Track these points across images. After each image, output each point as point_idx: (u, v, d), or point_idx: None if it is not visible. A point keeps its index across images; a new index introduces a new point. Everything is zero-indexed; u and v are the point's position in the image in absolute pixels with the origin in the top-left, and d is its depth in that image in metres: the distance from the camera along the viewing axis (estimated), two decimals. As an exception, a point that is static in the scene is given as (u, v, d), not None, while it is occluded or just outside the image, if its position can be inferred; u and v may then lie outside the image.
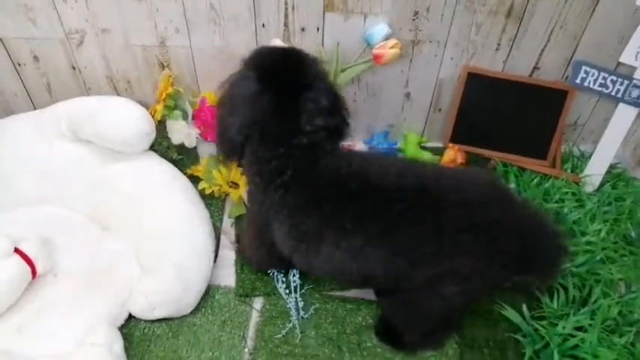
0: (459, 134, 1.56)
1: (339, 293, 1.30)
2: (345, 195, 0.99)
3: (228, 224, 1.45)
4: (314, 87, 0.98)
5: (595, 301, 1.23)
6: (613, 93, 1.41)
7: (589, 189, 1.51)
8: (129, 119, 1.32)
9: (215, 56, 1.44)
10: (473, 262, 0.98)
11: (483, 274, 0.99)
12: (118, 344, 1.11)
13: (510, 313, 1.24)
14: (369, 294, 1.30)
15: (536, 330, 1.20)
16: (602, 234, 1.38)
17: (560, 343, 1.17)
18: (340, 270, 1.05)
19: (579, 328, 1.19)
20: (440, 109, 1.59)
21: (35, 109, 1.52)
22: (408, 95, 1.55)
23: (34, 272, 1.18)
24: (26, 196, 1.35)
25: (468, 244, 0.97)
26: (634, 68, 1.38)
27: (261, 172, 1.03)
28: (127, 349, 1.17)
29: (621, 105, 1.41)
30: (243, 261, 1.35)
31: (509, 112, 1.52)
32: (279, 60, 1.00)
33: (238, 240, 1.38)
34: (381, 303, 1.26)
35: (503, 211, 1.00)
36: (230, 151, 1.06)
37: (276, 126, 0.98)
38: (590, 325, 1.18)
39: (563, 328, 1.19)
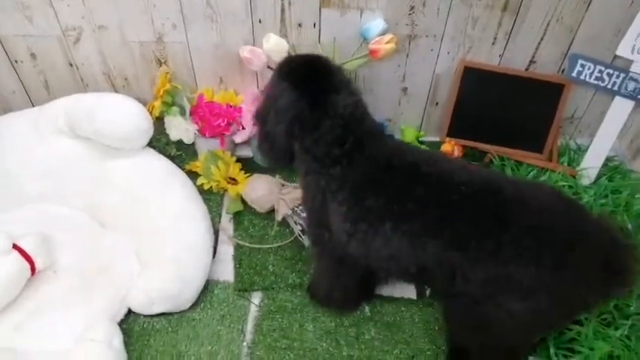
0: (456, 128, 1.56)
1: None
2: (410, 176, 0.99)
3: (226, 220, 1.46)
4: (341, 91, 1.01)
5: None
6: (609, 86, 1.41)
7: (585, 182, 1.52)
8: (126, 116, 1.33)
9: (212, 52, 1.45)
10: (535, 272, 0.92)
11: (549, 289, 0.93)
12: (118, 339, 1.13)
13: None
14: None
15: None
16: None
17: (556, 336, 1.19)
18: (397, 257, 1.02)
19: (576, 322, 1.20)
20: (437, 104, 1.59)
21: (33, 106, 1.52)
22: (405, 90, 1.55)
23: (33, 269, 1.19)
24: (25, 193, 1.36)
25: (529, 250, 0.93)
26: (630, 61, 1.38)
27: (317, 153, 1.01)
28: (127, 343, 1.18)
29: (617, 98, 1.41)
30: (242, 261, 1.36)
31: (506, 106, 1.52)
32: (310, 69, 1.03)
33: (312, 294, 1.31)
34: (449, 319, 1.17)
35: (576, 224, 0.97)
36: (283, 158, 1.09)
37: (314, 115, 1.00)
38: (587, 318, 1.19)
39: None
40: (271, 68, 1.36)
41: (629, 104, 1.41)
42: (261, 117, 1.08)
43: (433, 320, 1.26)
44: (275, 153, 1.09)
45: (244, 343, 1.22)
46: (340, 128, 0.99)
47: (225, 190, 1.49)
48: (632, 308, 1.23)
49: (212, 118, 1.42)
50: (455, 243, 0.96)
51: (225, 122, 1.43)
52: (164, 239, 1.27)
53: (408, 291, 1.32)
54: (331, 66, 1.05)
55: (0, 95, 1.52)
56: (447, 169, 1.00)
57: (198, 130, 1.46)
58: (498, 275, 0.94)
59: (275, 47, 1.29)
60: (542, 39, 1.43)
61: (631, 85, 1.39)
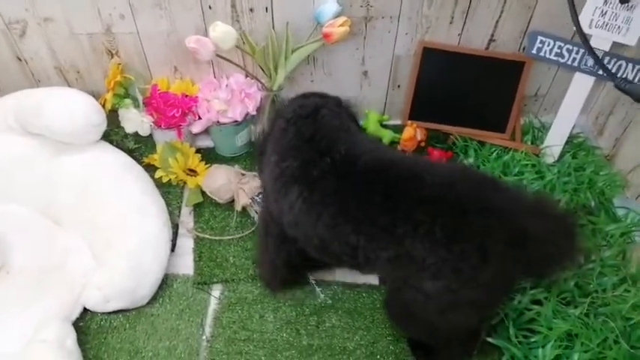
0: (418, 111, 1.54)
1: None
2: (323, 148, 1.02)
3: (186, 212, 1.44)
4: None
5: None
6: (569, 62, 1.40)
7: (549, 160, 1.51)
8: (76, 110, 1.29)
9: (164, 41, 1.41)
10: (430, 247, 0.90)
11: (452, 265, 0.90)
12: (71, 339, 1.11)
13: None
14: (327, 275, 1.30)
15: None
16: (562, 204, 1.38)
17: (516, 317, 1.18)
18: (300, 224, 1.03)
19: (536, 302, 1.19)
20: (399, 86, 1.57)
21: (-16, 103, 1.48)
22: (365, 73, 1.53)
23: (-17, 270, 1.17)
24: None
25: (422, 224, 0.90)
26: (589, 36, 1.36)
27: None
28: (83, 342, 1.17)
29: (578, 74, 1.39)
30: (202, 254, 1.35)
31: (467, 87, 1.50)
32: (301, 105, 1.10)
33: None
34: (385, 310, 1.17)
35: (476, 196, 0.93)
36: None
37: None
38: (547, 298, 1.19)
39: (519, 302, 1.19)
40: (220, 56, 1.33)
41: (590, 80, 1.39)
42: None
43: (394, 306, 1.25)
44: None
45: (203, 337, 1.20)
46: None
47: (185, 183, 1.47)
48: (591, 286, 1.22)
49: (167, 108, 1.39)
50: (346, 216, 0.96)
51: (180, 113, 1.40)
52: (119, 235, 1.25)
53: (371, 277, 1.31)
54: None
55: (-51, 93, 1.48)
56: (358, 147, 1.02)
57: (153, 122, 1.43)
58: (399, 254, 0.93)
59: (223, 35, 1.25)
60: (500, 17, 1.41)
61: (591, 61, 1.37)
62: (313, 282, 1.28)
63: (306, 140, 1.04)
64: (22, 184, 1.34)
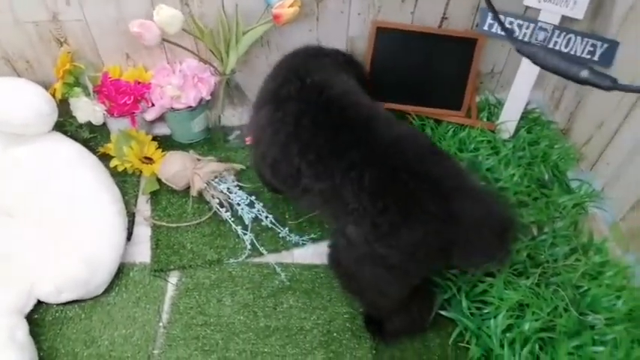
0: (374, 91, 1.51)
1: (256, 260, 1.31)
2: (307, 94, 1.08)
3: (143, 201, 1.43)
4: None
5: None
6: (520, 37, 1.40)
7: (505, 136, 1.52)
8: (25, 101, 1.27)
9: (113, 28, 1.39)
10: (357, 192, 0.93)
11: (375, 221, 0.92)
12: (22, 331, 1.10)
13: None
14: (286, 257, 1.31)
15: (446, 279, 1.22)
16: (516, 178, 1.39)
17: (468, 290, 1.20)
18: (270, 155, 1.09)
19: (489, 274, 1.21)
20: (355, 67, 1.57)
21: None
22: (320, 53, 1.52)
23: None
24: None
25: (356, 168, 0.94)
26: (538, 11, 1.37)
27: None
28: (38, 334, 1.16)
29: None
30: (159, 241, 1.34)
31: (422, 65, 1.50)
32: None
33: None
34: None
35: (422, 161, 0.95)
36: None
37: None
38: (498, 270, 1.20)
39: (472, 275, 1.21)
40: (168, 41, 1.32)
41: (539, 54, 1.40)
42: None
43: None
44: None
45: (160, 324, 1.20)
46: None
47: (142, 171, 1.45)
48: (543, 257, 1.24)
49: (118, 96, 1.37)
50: (296, 137, 1.02)
51: (132, 100, 1.38)
52: (72, 226, 1.24)
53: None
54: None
55: None
56: (335, 83, 1.09)
57: (106, 111, 1.41)
58: (330, 189, 0.98)
59: (168, 19, 1.24)
60: (451, -7, 1.41)
61: (541, 35, 1.38)
62: (273, 264, 1.29)
63: (292, 69, 1.13)
64: (-28, 178, 1.31)
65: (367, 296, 1.10)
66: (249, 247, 1.31)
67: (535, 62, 0.90)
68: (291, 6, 1.31)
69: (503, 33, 1.40)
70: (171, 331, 1.18)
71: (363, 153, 0.96)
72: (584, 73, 0.85)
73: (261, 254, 1.31)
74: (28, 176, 1.30)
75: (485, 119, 1.55)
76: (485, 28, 1.43)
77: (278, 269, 1.28)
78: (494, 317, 1.14)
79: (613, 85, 0.83)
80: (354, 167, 0.95)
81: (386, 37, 1.46)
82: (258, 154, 1.17)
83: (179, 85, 1.40)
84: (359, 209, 0.94)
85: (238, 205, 1.34)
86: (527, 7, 1.40)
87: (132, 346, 1.16)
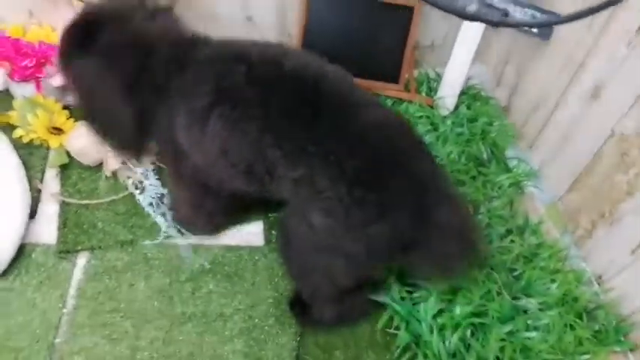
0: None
1: (175, 241, 1.20)
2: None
3: (52, 175, 1.29)
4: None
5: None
6: (458, 8, 1.33)
7: (444, 112, 1.46)
8: None
9: (13, -20, 1.23)
10: (333, 182, 0.86)
11: (346, 209, 0.86)
12: None
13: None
14: (208, 239, 1.21)
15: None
16: (453, 156, 1.34)
17: (399, 274, 1.14)
18: (225, 151, 0.94)
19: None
20: (289, 35, 1.46)
21: None
22: (250, 19, 1.41)
23: None
24: None
25: (336, 156, 0.86)
26: (479, -21, 1.30)
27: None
28: None
29: (465, 21, 1.33)
30: (67, 220, 1.21)
31: (357, 35, 1.41)
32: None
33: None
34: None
35: (407, 156, 0.90)
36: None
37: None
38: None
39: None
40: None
41: (479, 27, 1.33)
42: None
43: (277, 266, 1.17)
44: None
45: (64, 310, 1.09)
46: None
47: (46, 143, 1.31)
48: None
49: (18, 57, 1.22)
50: (271, 129, 0.90)
51: (35, 62, 1.24)
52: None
53: (255, 238, 1.22)
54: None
55: None
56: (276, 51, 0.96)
57: (7, 74, 1.26)
58: (305, 176, 0.88)
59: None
60: (389, -43, 1.32)
61: (473, 7, 1.31)
62: (183, 247, 1.19)
63: (207, 62, 0.94)
64: None
65: (311, 283, 1.02)
66: (165, 227, 1.20)
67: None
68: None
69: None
70: (76, 318, 1.08)
71: (348, 141, 0.87)
72: (472, 7, 0.78)
73: (180, 234, 1.20)
74: None
75: (424, 94, 1.48)
76: (425, -4, 1.35)
77: (185, 254, 1.18)
78: (425, 301, 1.08)
79: (501, 20, 0.76)
80: (333, 154, 0.86)
81: (319, 1, 1.36)
82: (215, 173, 1.00)
83: (91, 47, 1.26)
84: (333, 198, 0.86)
85: (153, 197, 1.24)
86: (469, -23, 1.33)
87: (30, 335, 1.05)
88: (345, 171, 0.85)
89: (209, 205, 1.14)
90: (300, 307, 1.10)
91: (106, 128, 1.04)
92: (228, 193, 1.06)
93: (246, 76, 0.91)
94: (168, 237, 1.20)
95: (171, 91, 0.95)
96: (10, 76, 1.25)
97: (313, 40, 1.41)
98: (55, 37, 1.30)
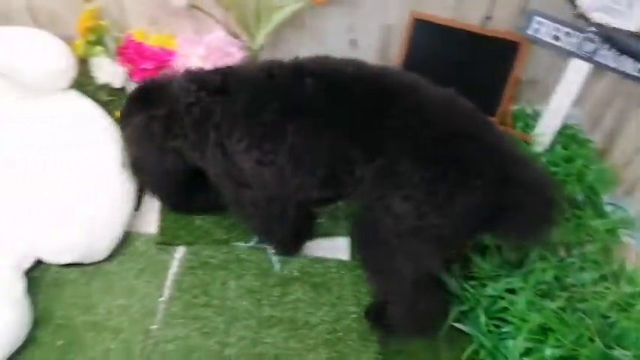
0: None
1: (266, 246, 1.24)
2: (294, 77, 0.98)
3: (157, 171, 1.37)
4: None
5: (531, 264, 1.18)
6: (566, 46, 1.33)
7: (539, 149, 1.45)
8: (44, 53, 1.22)
9: (145, -11, 1.34)
10: (411, 164, 0.89)
11: (427, 187, 0.89)
12: (19, 288, 1.05)
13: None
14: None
15: (465, 290, 1.15)
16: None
17: (488, 305, 1.13)
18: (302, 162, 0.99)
19: (511, 291, 1.14)
20: (389, 59, 1.50)
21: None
22: (353, 42, 1.46)
23: None
24: None
25: (407, 139, 0.90)
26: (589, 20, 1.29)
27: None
28: (36, 293, 1.11)
29: (574, 60, 1.33)
30: (167, 214, 1.28)
31: (459, 64, 1.43)
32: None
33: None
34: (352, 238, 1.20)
35: (473, 127, 0.93)
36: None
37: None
38: (522, 287, 1.13)
39: (494, 289, 1.14)
40: (197, 7, 1.26)
41: (586, 67, 1.32)
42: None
43: (362, 283, 1.19)
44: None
45: (161, 298, 1.14)
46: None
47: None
48: (570, 280, 1.17)
49: (140, 60, 1.32)
50: (348, 129, 0.94)
51: (154, 66, 1.33)
52: (78, 187, 1.18)
53: (341, 252, 1.25)
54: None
55: None
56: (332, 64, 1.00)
57: (128, 73, 1.35)
58: (385, 164, 0.91)
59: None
60: (499, -8, 1.34)
61: (589, 46, 1.31)
62: (271, 254, 1.23)
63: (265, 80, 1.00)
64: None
65: (392, 275, 1.02)
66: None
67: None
68: (333, -14, 1.24)
69: (549, 39, 1.33)
70: (172, 307, 1.13)
71: (417, 117, 0.91)
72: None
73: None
74: (38, 132, 1.25)
75: (519, 130, 1.48)
76: (530, 32, 1.35)
77: (275, 259, 1.22)
78: (514, 338, 1.06)
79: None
80: (409, 139, 0.90)
81: (423, 29, 1.40)
82: (288, 186, 1.03)
83: (204, 56, 1.34)
84: (414, 179, 0.89)
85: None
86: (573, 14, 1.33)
87: (129, 318, 1.10)
88: (421, 148, 0.89)
89: (278, 233, 1.19)
90: (375, 314, 1.11)
91: (153, 186, 1.22)
92: (294, 211, 1.11)
93: (313, 86, 0.95)
94: (259, 242, 1.24)
95: (214, 121, 1.02)
96: (130, 76, 1.35)
97: (412, 62, 1.44)
98: (173, 45, 1.40)
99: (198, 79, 1.05)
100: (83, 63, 1.34)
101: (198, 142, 1.06)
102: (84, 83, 1.40)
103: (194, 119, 1.04)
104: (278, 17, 1.30)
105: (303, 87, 0.95)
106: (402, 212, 0.91)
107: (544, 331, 1.08)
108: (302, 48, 1.46)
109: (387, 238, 0.97)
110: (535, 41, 1.36)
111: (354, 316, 1.14)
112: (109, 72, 1.33)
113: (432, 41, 1.40)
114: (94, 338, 1.07)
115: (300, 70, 0.98)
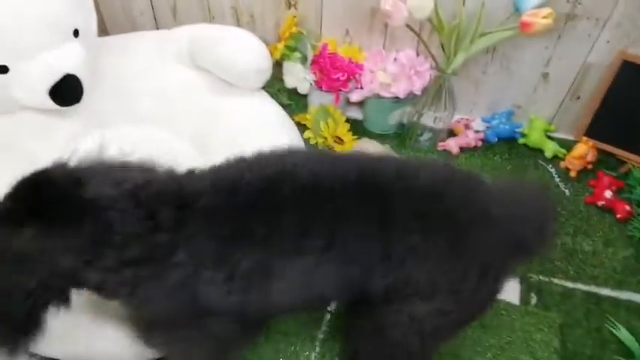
0: (597, 129, 1.39)
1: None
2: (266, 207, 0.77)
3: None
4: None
5: None
6: None
7: None
8: (248, 52, 1.27)
9: (344, 2, 1.36)
10: (433, 266, 0.76)
11: (451, 280, 0.77)
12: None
13: (623, 333, 1.10)
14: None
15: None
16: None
17: None
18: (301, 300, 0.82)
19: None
20: (579, 97, 1.42)
21: (158, 29, 1.51)
22: (545, 76, 1.39)
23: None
24: (138, 112, 1.35)
25: (417, 243, 0.75)
26: None
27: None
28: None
29: None
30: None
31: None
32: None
33: None
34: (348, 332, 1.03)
35: (465, 202, 0.78)
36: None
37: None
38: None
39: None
40: (409, 27, 1.25)
41: None
42: None
43: (535, 331, 1.13)
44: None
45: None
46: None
47: (330, 149, 1.42)
48: None
49: (332, 70, 1.34)
50: (347, 259, 0.76)
51: (345, 77, 1.35)
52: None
53: (510, 295, 1.19)
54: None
55: (128, 15, 1.53)
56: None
57: (315, 81, 1.39)
58: (397, 281, 0.77)
59: (420, 3, 1.17)
60: None
61: None
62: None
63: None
64: (180, 114, 1.34)
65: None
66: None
67: None
68: (545, 17, 1.19)
69: None
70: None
71: (420, 224, 0.76)
72: None
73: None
74: (231, 127, 1.30)
75: None
76: None
77: None
78: None
79: None
80: (418, 244, 0.75)
81: (630, 72, 1.30)
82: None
83: (393, 73, 1.34)
84: (430, 282, 0.77)
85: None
86: None
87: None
88: (432, 251, 0.76)
89: None
90: None
91: None
92: None
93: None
94: None
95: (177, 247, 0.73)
96: (318, 84, 1.38)
97: (610, 107, 1.36)
98: (361, 58, 1.41)
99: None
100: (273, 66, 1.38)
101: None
102: (266, 83, 1.46)
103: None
104: (482, 44, 1.26)
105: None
106: (421, 313, 0.80)
107: None
108: (489, 74, 1.42)
109: (398, 338, 0.85)
110: None
111: (525, 365, 1.08)
112: (299, 78, 1.37)
113: (638, 85, 1.30)
114: None
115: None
